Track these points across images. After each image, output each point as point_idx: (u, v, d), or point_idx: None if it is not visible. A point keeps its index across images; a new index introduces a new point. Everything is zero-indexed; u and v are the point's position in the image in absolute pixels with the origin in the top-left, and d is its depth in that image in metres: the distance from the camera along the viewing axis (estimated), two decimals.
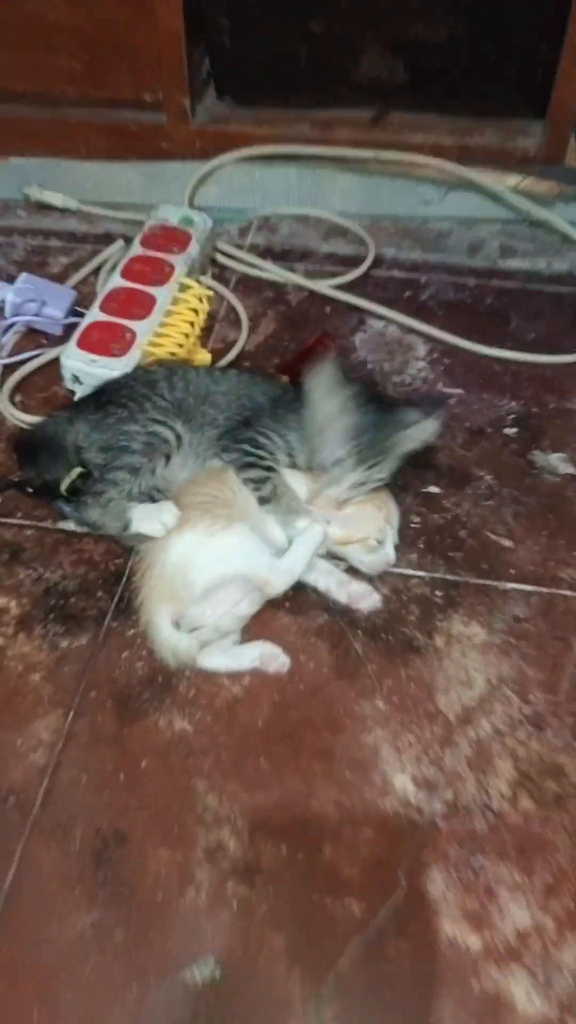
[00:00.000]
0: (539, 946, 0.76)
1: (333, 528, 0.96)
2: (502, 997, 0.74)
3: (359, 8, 1.34)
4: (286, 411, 1.00)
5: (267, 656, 0.93)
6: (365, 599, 0.97)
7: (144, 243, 1.27)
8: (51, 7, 1.33)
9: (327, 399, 0.97)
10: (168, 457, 1.00)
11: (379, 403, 1.00)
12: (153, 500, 1.00)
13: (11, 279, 1.28)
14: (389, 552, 0.97)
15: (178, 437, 0.99)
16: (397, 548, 0.99)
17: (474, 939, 0.77)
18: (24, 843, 0.82)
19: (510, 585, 1.00)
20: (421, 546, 1.03)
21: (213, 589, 0.91)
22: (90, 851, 0.82)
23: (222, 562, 0.92)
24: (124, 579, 1.00)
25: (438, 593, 0.99)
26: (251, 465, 0.98)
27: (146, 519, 0.97)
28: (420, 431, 0.99)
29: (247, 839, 0.82)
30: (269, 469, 0.97)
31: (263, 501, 0.96)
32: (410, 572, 1.01)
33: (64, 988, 0.75)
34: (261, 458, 0.98)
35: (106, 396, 1.03)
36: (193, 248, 1.27)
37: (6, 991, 0.75)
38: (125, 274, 1.21)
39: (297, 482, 1.00)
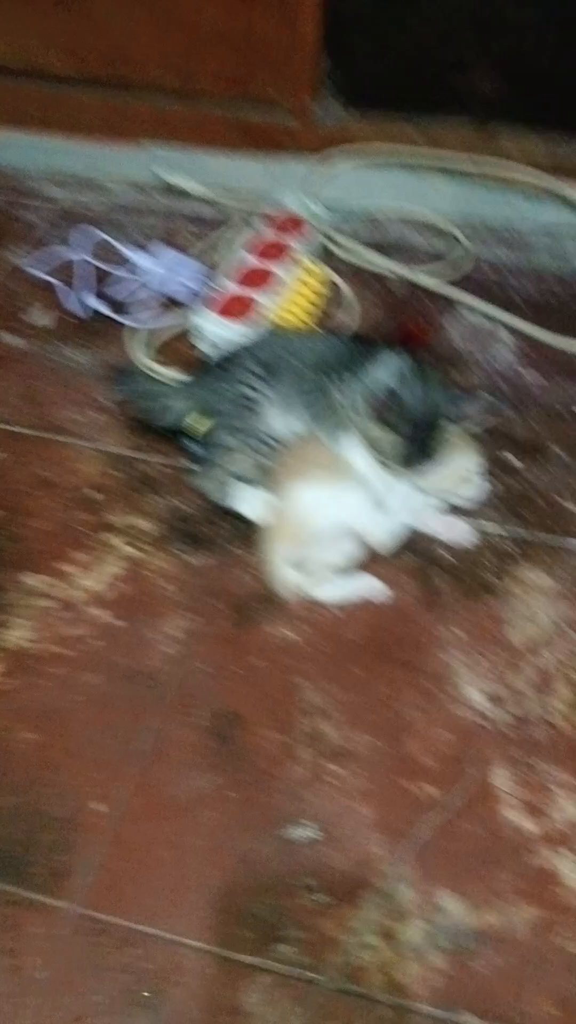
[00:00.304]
0: None
1: (432, 478, 1.05)
2: (552, 872, 0.85)
3: (474, 30, 1.43)
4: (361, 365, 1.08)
5: (370, 588, 1.04)
6: (460, 530, 1.09)
7: (270, 227, 1.39)
8: (203, 11, 1.45)
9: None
10: (259, 412, 1.09)
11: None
12: (263, 454, 1.09)
13: (144, 251, 1.40)
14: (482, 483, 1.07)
15: (264, 394, 1.09)
16: (479, 506, 1.11)
17: (530, 825, 0.88)
18: (159, 717, 0.95)
19: (574, 542, 1.10)
20: (499, 507, 1.14)
21: (329, 536, 1.02)
22: (212, 726, 0.95)
23: (341, 514, 1.03)
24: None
25: (512, 546, 1.10)
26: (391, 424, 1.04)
27: (242, 499, 1.09)
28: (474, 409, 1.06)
29: (342, 729, 0.95)
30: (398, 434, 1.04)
31: (383, 460, 1.04)
32: (489, 528, 1.12)
33: (186, 832, 0.88)
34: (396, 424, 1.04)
35: (207, 365, 1.17)
36: (312, 234, 1.38)
37: (142, 831, 0.88)
38: (253, 252, 1.34)
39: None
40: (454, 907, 0.83)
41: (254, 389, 1.11)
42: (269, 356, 1.13)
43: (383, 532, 1.06)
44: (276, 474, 1.08)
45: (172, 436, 1.18)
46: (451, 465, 1.05)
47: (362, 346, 1.15)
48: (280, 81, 1.51)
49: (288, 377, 1.11)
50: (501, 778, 0.91)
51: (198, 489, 1.14)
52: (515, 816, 0.89)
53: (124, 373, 1.25)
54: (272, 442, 1.10)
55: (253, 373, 1.11)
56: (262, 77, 1.50)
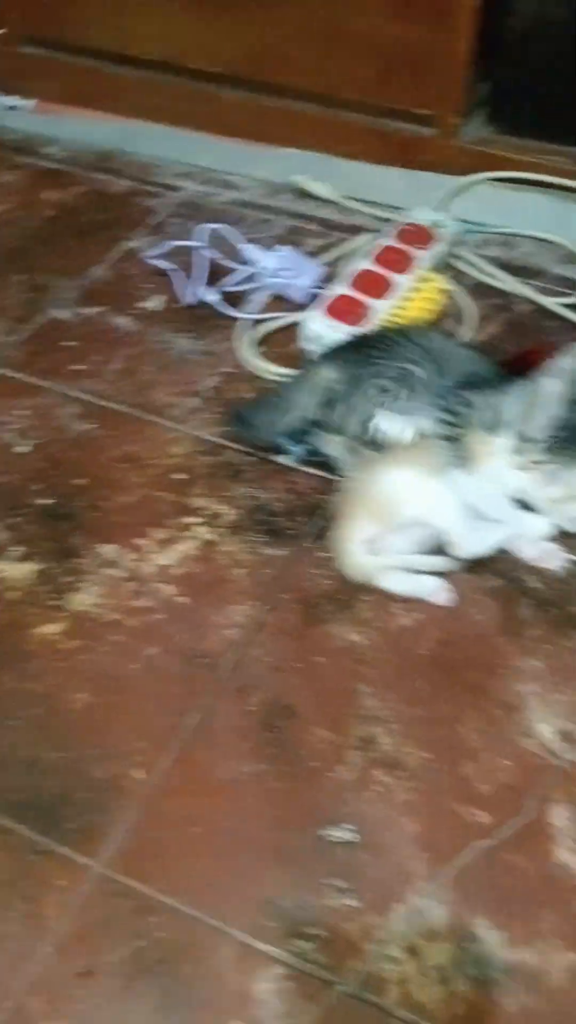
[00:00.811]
0: None
1: (551, 489, 1.11)
2: None
3: None
4: (502, 390, 1.17)
5: (438, 589, 1.10)
6: (553, 557, 1.14)
7: (396, 236, 1.49)
8: (357, 19, 1.59)
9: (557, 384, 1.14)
10: (411, 390, 1.19)
11: None
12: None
13: (264, 248, 1.53)
14: None
15: (419, 378, 1.19)
16: None
17: None
18: (211, 697, 1.03)
19: None
20: None
21: (412, 524, 1.09)
22: (263, 715, 1.02)
23: (431, 504, 1.10)
24: (323, 511, 1.21)
25: None
26: (450, 412, 1.16)
27: (392, 420, 1.18)
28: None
29: (397, 740, 1.00)
30: (461, 423, 1.15)
31: (445, 439, 1.14)
32: None
33: (221, 814, 0.95)
34: (460, 414, 1.16)
35: (362, 341, 1.27)
36: (438, 247, 1.48)
37: (178, 805, 0.95)
38: (374, 259, 1.44)
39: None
40: (490, 937, 0.86)
41: (417, 365, 1.21)
42: (427, 343, 1.24)
43: (468, 537, 1.11)
44: (381, 461, 1.16)
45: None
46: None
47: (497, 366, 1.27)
48: (428, 95, 1.63)
49: (443, 368, 1.21)
50: (561, 818, 0.94)
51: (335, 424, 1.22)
52: (570, 859, 0.91)
53: (240, 415, 1.32)
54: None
55: (413, 354, 1.22)
56: (410, 89, 1.62)
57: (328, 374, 1.24)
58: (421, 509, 1.09)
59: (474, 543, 1.12)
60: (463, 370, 1.23)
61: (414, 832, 0.93)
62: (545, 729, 1.01)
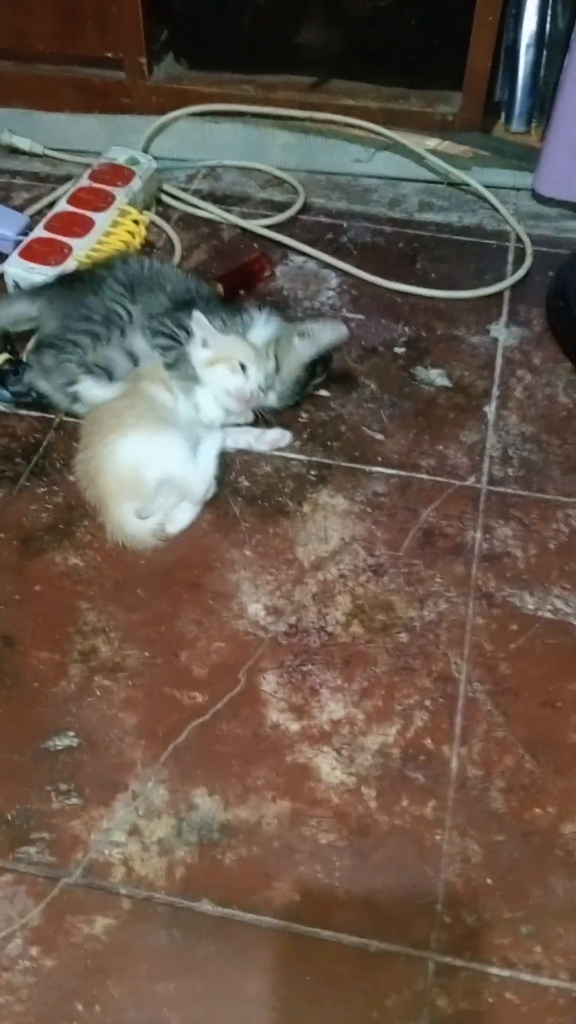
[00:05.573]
0: (348, 732, 0.94)
1: (204, 351, 1.15)
2: (310, 768, 0.91)
3: None
4: (214, 309, 1.20)
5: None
6: (282, 439, 1.19)
7: (92, 177, 1.48)
8: None
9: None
10: (123, 331, 1.19)
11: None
12: (102, 377, 1.19)
13: None
14: (252, 383, 1.15)
15: (129, 313, 1.19)
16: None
17: (294, 725, 0.94)
18: None
19: (375, 469, 1.18)
20: (304, 436, 1.22)
21: (160, 484, 1.09)
22: None
23: (166, 459, 1.10)
24: (41, 448, 1.20)
25: (312, 473, 1.18)
26: (167, 335, 1.17)
27: (93, 388, 1.18)
28: (324, 332, 1.19)
29: (117, 646, 1.01)
30: (179, 344, 1.17)
31: (167, 366, 1.16)
32: (291, 455, 1.20)
33: None
34: (176, 335, 1.18)
35: (70, 276, 1.27)
36: (135, 183, 1.48)
37: None
38: (71, 201, 1.43)
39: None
40: (207, 804, 0.89)
41: (123, 300, 1.21)
42: (135, 271, 1.25)
43: (200, 479, 1.12)
44: (89, 430, 1.14)
45: None
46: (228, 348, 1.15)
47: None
48: (112, 39, 1.61)
49: (155, 291, 1.22)
50: (271, 683, 0.97)
51: (18, 397, 1.22)
52: (280, 717, 0.95)
53: None
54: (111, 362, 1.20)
55: (120, 287, 1.22)
56: (93, 36, 1.60)
57: (28, 306, 1.24)
58: (160, 470, 1.08)
59: (201, 484, 1.12)
60: (176, 290, 1.24)
61: (133, 724, 0.94)
62: (256, 609, 1.04)
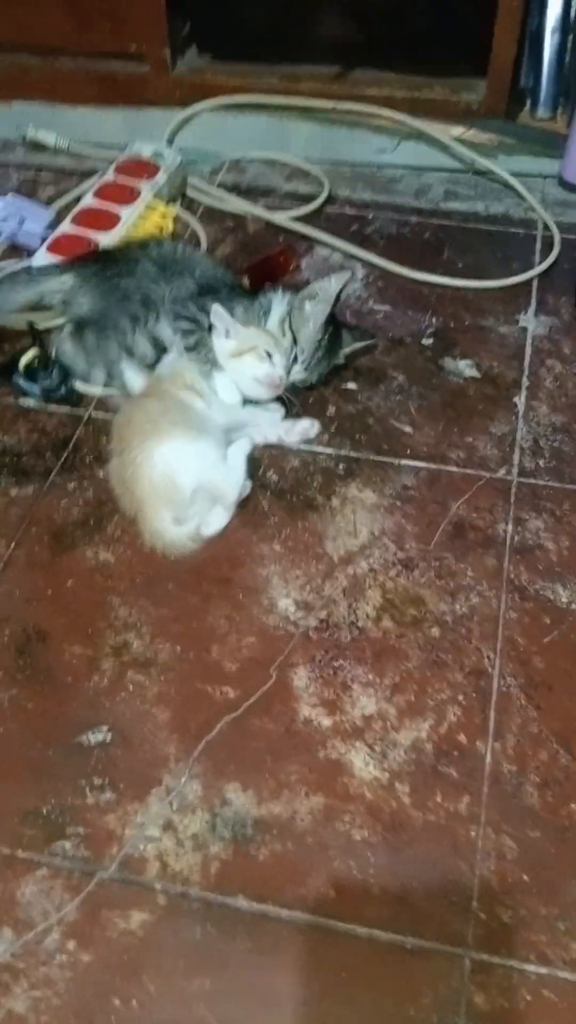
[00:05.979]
0: (380, 727, 0.93)
1: (228, 342, 1.15)
2: (343, 763, 0.91)
3: None
4: (236, 298, 1.21)
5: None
6: (311, 428, 1.19)
7: (117, 171, 1.48)
8: None
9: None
10: (157, 315, 1.20)
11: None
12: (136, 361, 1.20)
13: None
14: (279, 369, 1.15)
15: (162, 297, 1.20)
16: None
17: (326, 720, 0.94)
18: None
19: (404, 462, 1.17)
20: (332, 430, 1.21)
21: (194, 491, 1.07)
22: (15, 644, 1.01)
23: (202, 465, 1.08)
24: (70, 444, 1.20)
25: (341, 466, 1.17)
26: (189, 319, 1.18)
27: (128, 371, 1.18)
28: (330, 284, 1.18)
29: (149, 640, 1.01)
30: (200, 328, 1.17)
31: (188, 349, 1.17)
32: (319, 449, 1.19)
33: None
34: (198, 319, 1.18)
35: (101, 254, 1.28)
36: (160, 177, 1.47)
37: None
38: (97, 195, 1.43)
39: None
40: (240, 799, 0.89)
41: (158, 287, 1.22)
42: (166, 252, 1.27)
43: (234, 485, 1.11)
44: (120, 434, 1.13)
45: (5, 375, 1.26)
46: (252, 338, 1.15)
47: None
48: (133, 32, 1.61)
49: (184, 274, 1.24)
50: (302, 678, 0.97)
51: (44, 397, 1.23)
52: (312, 713, 0.95)
53: None
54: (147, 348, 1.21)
55: (153, 273, 1.23)
56: (114, 30, 1.59)
57: (57, 283, 1.26)
58: (196, 477, 1.07)
59: (233, 488, 1.11)
60: (203, 275, 1.26)
61: (166, 719, 0.94)
62: (285, 603, 1.03)
